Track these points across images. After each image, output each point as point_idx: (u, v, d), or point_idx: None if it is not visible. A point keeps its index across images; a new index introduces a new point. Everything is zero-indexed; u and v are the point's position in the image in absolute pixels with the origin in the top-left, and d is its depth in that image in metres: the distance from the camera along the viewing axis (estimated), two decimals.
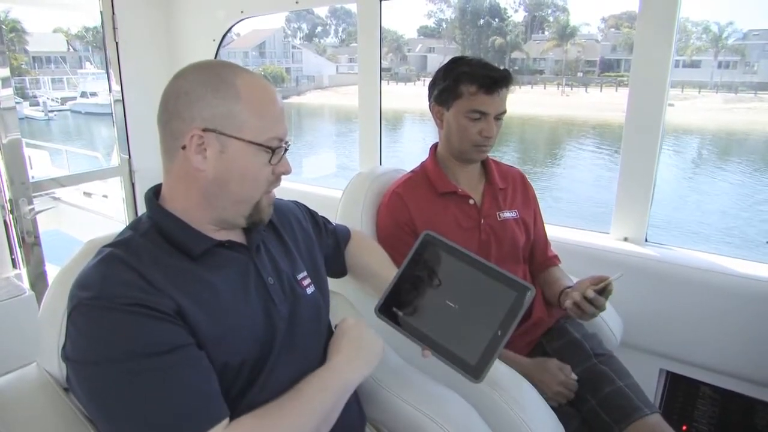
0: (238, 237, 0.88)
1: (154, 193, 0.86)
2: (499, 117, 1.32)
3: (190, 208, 0.82)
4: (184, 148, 0.78)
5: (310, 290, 0.95)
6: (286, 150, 0.85)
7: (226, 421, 0.71)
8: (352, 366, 0.87)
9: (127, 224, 0.86)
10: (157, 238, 0.80)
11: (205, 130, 0.77)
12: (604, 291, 1.15)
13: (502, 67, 1.30)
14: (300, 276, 0.94)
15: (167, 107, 0.80)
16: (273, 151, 0.81)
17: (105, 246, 0.79)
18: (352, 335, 0.92)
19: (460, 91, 1.29)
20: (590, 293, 1.14)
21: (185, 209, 0.82)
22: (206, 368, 0.73)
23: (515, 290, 0.83)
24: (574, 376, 1.25)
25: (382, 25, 2.10)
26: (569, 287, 1.31)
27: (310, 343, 0.91)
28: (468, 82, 1.28)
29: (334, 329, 0.98)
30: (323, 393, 0.81)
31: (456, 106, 1.31)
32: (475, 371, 0.81)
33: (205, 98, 0.78)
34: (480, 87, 1.27)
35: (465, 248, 0.89)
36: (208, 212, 0.83)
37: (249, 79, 0.80)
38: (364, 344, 0.91)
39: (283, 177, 0.87)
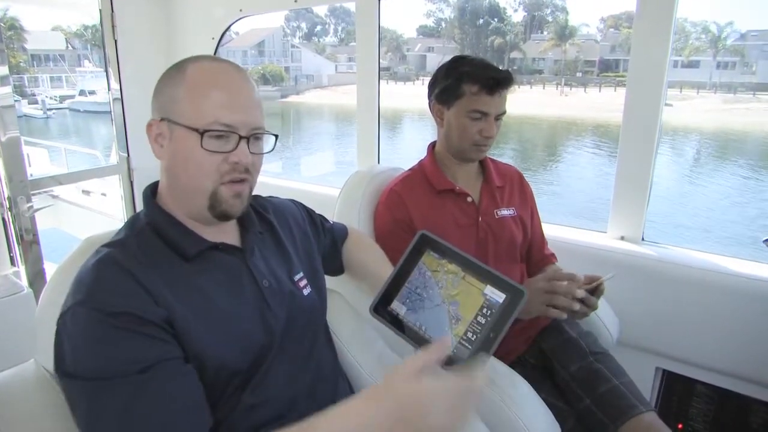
0: (232, 239, 0.88)
1: (152, 190, 0.87)
2: (498, 117, 1.32)
3: (174, 203, 0.83)
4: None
5: (306, 291, 0.94)
6: (245, 139, 0.79)
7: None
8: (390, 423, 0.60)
9: (126, 222, 0.86)
10: (152, 237, 0.80)
11: (162, 119, 0.79)
12: (595, 291, 1.15)
13: (503, 68, 1.30)
14: (296, 277, 0.94)
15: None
16: (202, 135, 0.76)
17: (103, 246, 0.79)
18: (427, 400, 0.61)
19: (462, 90, 1.30)
20: (580, 293, 1.14)
21: (174, 205, 0.84)
22: (190, 382, 0.71)
23: (508, 293, 0.84)
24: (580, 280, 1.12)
25: (381, 25, 2.11)
26: None
27: (306, 343, 0.91)
28: (470, 81, 1.29)
29: (331, 329, 0.98)
30: None
31: (457, 105, 1.32)
32: None
33: (162, 89, 0.80)
34: (482, 87, 1.27)
35: (460, 249, 0.90)
36: (179, 205, 0.83)
37: (202, 64, 0.80)
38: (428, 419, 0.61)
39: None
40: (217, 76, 0.79)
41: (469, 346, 0.83)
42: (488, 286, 0.85)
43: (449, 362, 0.83)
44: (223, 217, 0.83)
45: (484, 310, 0.84)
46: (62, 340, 0.70)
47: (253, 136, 0.81)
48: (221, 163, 0.78)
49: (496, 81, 1.27)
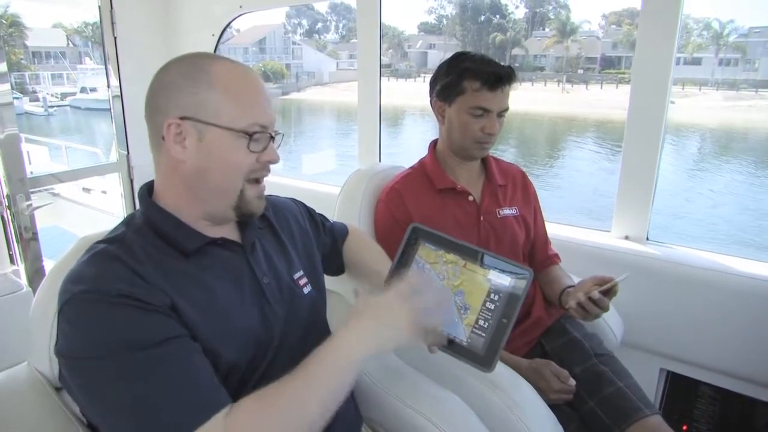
0: (232, 235, 0.87)
1: (148, 189, 0.85)
2: (501, 114, 1.30)
3: (180, 202, 0.81)
4: (164, 139, 0.78)
5: (306, 290, 0.93)
6: (272, 138, 0.83)
7: (227, 408, 0.68)
8: (370, 336, 0.75)
9: (122, 220, 0.85)
10: (150, 234, 0.79)
11: (182, 118, 0.77)
12: (608, 292, 1.14)
13: (504, 64, 1.28)
14: (296, 275, 0.93)
15: (150, 101, 0.80)
16: (250, 136, 0.79)
17: (97, 242, 0.78)
18: (384, 303, 0.77)
19: (463, 87, 1.28)
20: (595, 294, 1.13)
21: (177, 204, 0.81)
22: (201, 359, 0.71)
23: (513, 276, 0.82)
24: (572, 382, 1.20)
25: (383, 21, 2.09)
26: (570, 287, 1.30)
27: (307, 342, 0.90)
28: (472, 78, 1.27)
29: (331, 328, 0.97)
30: (332, 372, 0.72)
31: (458, 102, 1.30)
32: (485, 361, 0.80)
33: (181, 88, 0.77)
34: (484, 83, 1.26)
35: (455, 237, 0.88)
36: (196, 206, 0.81)
37: (225, 65, 0.79)
38: (392, 316, 0.76)
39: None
40: (244, 77, 0.80)
41: (483, 334, 0.81)
42: (491, 270, 0.84)
43: (463, 353, 0.82)
44: (247, 216, 0.85)
45: (492, 296, 0.82)
46: (66, 327, 0.69)
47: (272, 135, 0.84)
48: (253, 162, 0.81)
49: (498, 77, 1.25)
